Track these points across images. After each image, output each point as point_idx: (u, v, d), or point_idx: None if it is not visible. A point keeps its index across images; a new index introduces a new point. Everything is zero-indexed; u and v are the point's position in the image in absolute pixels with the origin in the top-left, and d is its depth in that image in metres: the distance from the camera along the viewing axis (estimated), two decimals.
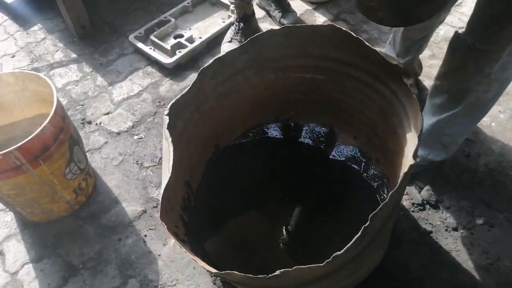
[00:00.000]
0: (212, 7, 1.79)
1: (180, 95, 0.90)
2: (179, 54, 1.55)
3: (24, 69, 1.60)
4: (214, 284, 1.03)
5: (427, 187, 1.17)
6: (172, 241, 1.12)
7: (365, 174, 1.13)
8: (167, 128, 0.81)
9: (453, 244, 1.07)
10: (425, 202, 1.15)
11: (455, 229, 1.09)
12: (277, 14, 1.69)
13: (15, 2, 1.78)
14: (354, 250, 0.67)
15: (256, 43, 0.95)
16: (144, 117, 1.43)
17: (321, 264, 0.63)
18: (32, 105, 1.16)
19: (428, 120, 1.08)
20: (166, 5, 1.83)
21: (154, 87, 1.53)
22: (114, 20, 1.79)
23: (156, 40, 1.59)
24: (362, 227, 0.64)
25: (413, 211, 1.14)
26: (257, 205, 1.13)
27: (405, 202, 1.15)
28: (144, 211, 1.19)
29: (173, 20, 1.67)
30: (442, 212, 1.13)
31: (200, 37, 1.61)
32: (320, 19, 1.74)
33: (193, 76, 1.55)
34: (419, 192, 1.16)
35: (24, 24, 1.80)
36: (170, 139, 0.79)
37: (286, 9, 1.68)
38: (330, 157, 1.18)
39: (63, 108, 1.07)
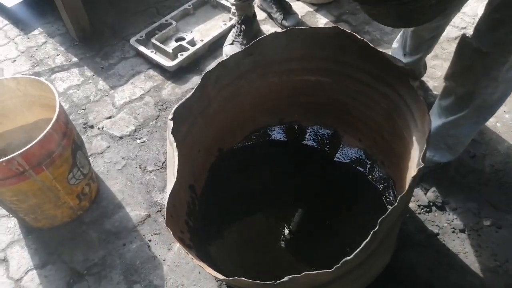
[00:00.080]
0: (213, 10, 1.79)
1: (184, 99, 0.89)
2: (180, 57, 1.54)
3: (25, 74, 1.60)
4: None
5: (433, 188, 1.16)
6: (177, 245, 1.11)
7: (370, 176, 1.12)
8: (171, 133, 0.80)
9: (460, 246, 1.06)
10: (431, 203, 1.14)
11: (462, 231, 1.08)
12: (278, 16, 1.68)
13: (15, 6, 1.77)
14: (363, 255, 0.66)
15: (259, 46, 0.95)
16: (146, 120, 1.43)
17: (330, 270, 0.62)
18: (34, 110, 1.16)
19: (434, 121, 1.07)
20: (167, 8, 1.83)
21: (156, 90, 1.52)
22: (115, 24, 1.78)
23: (158, 43, 1.58)
24: (372, 232, 0.63)
25: (419, 213, 1.13)
26: (261, 208, 1.13)
27: (411, 204, 1.14)
28: (148, 216, 1.18)
29: (174, 23, 1.66)
30: (449, 214, 1.12)
31: (202, 40, 1.61)
32: (321, 20, 1.73)
33: (195, 79, 1.55)
34: (425, 194, 1.16)
35: (24, 29, 1.80)
36: (174, 144, 0.78)
37: (287, 11, 1.68)
38: (335, 159, 1.18)
39: (66, 113, 1.07)
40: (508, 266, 1.01)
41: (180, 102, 0.88)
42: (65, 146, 1.01)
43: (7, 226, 1.19)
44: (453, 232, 1.09)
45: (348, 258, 0.62)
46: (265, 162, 1.18)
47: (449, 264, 1.03)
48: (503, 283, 0.99)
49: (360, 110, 1.05)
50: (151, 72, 1.58)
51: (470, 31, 1.60)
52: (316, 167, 1.18)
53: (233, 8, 1.62)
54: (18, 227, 1.18)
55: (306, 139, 1.21)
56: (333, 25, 1.44)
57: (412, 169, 0.86)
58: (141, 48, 1.59)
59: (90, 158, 1.30)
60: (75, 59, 1.65)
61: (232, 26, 1.61)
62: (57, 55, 1.67)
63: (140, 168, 1.29)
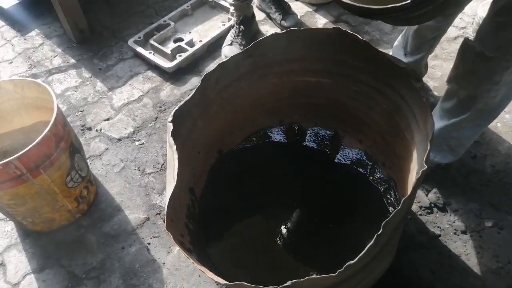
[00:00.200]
0: (212, 10, 1.78)
1: (183, 101, 0.88)
2: (179, 58, 1.53)
3: (22, 76, 1.58)
4: None
5: (435, 189, 1.15)
6: (177, 248, 1.10)
7: (371, 178, 1.12)
8: (171, 136, 0.79)
9: (462, 247, 1.05)
10: (432, 205, 1.13)
11: (464, 232, 1.08)
12: (277, 16, 1.67)
13: (12, 7, 1.76)
14: (367, 258, 0.65)
15: (260, 47, 0.94)
16: (145, 122, 1.41)
17: (334, 274, 0.62)
18: (32, 112, 1.14)
19: (436, 123, 1.07)
20: (165, 8, 1.82)
21: (154, 91, 1.51)
22: (113, 25, 1.77)
23: (156, 44, 1.57)
24: (375, 235, 0.62)
25: (420, 215, 1.12)
26: (261, 210, 1.12)
27: (413, 205, 1.14)
28: (147, 219, 1.17)
29: (172, 23, 1.65)
30: (450, 215, 1.11)
31: (200, 41, 1.60)
32: (321, 20, 1.72)
33: (194, 80, 1.54)
34: (427, 195, 1.15)
35: (21, 30, 1.78)
36: (174, 147, 0.77)
37: (286, 11, 1.67)
38: (335, 160, 1.17)
39: (63, 115, 1.05)
40: (510, 267, 1.01)
41: (180, 104, 0.87)
42: (63, 149, 1.00)
43: (4, 229, 1.17)
44: (455, 233, 1.08)
45: (352, 262, 0.61)
46: (265, 163, 1.17)
47: (451, 266, 1.02)
48: (505, 284, 0.99)
49: (361, 111, 1.05)
50: (150, 73, 1.57)
51: (469, 31, 1.60)
52: (317, 168, 1.17)
53: (231, 9, 1.61)
54: (15, 231, 1.17)
55: (306, 141, 1.21)
56: (333, 26, 1.43)
57: (414, 171, 0.85)
58: (139, 49, 1.58)
59: (88, 161, 1.29)
60: (72, 61, 1.64)
61: (231, 27, 1.60)
62: (55, 57, 1.66)
63: (139, 170, 1.28)
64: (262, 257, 1.04)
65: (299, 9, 1.76)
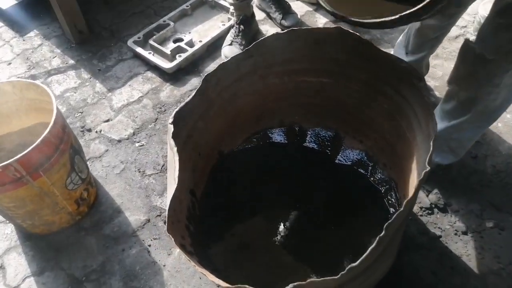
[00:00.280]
0: (212, 10, 1.77)
1: (184, 102, 0.88)
2: (179, 58, 1.53)
3: (21, 77, 1.57)
4: None
5: (435, 190, 1.15)
6: (177, 250, 1.09)
7: (372, 179, 1.11)
8: (172, 137, 0.79)
9: (463, 248, 1.05)
10: (433, 205, 1.13)
11: (465, 233, 1.08)
12: (277, 15, 1.67)
13: (10, 8, 1.75)
14: (369, 261, 0.65)
15: (260, 47, 0.93)
16: (145, 123, 1.41)
17: (336, 277, 0.61)
18: (31, 114, 1.14)
19: (437, 125, 1.06)
20: (164, 8, 1.81)
21: (154, 92, 1.50)
22: (112, 25, 1.76)
23: (155, 44, 1.56)
24: (378, 237, 0.62)
25: (421, 215, 1.12)
26: (262, 211, 1.11)
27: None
28: (148, 220, 1.16)
29: (172, 24, 1.65)
30: (451, 216, 1.11)
31: (200, 41, 1.59)
32: (321, 20, 1.72)
33: (194, 81, 1.53)
34: (427, 196, 1.15)
35: (20, 31, 1.77)
36: (175, 149, 0.77)
37: (286, 11, 1.67)
38: (336, 161, 1.16)
39: (63, 117, 1.05)
40: (511, 268, 1.01)
41: (181, 105, 0.87)
42: (63, 151, 1.00)
43: (4, 232, 1.17)
44: (456, 234, 1.08)
45: (354, 264, 0.61)
46: (266, 164, 1.17)
47: (452, 267, 1.02)
48: (506, 285, 0.99)
49: (362, 111, 1.04)
50: (149, 74, 1.56)
51: (470, 30, 1.60)
52: (317, 169, 1.17)
53: (231, 8, 1.61)
54: (15, 233, 1.16)
55: (307, 141, 1.20)
56: (334, 25, 1.43)
57: (415, 171, 0.85)
58: (139, 50, 1.57)
59: (88, 162, 1.28)
60: (71, 61, 1.63)
61: (231, 27, 1.60)
62: (53, 58, 1.65)
63: (139, 172, 1.28)
64: (263, 258, 1.03)
65: (299, 8, 1.75)
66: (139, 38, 1.61)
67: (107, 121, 1.42)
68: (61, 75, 1.58)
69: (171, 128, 0.81)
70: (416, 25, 1.23)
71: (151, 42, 1.57)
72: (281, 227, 1.08)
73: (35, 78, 1.56)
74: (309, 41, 0.93)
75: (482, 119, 1.01)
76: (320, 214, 1.10)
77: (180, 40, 1.60)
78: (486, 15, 0.84)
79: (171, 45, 1.58)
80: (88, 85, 1.54)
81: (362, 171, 1.13)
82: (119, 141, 1.36)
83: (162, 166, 1.29)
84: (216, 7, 1.77)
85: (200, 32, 1.67)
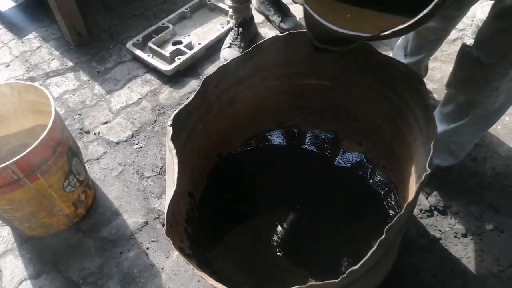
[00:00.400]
0: (211, 13, 1.78)
1: (183, 104, 0.87)
2: (178, 61, 1.52)
3: (20, 79, 1.57)
4: None
5: (435, 192, 1.15)
6: (176, 253, 1.09)
7: (371, 181, 1.11)
8: (171, 140, 0.78)
9: (463, 251, 1.05)
10: (433, 208, 1.13)
11: (465, 236, 1.07)
12: (276, 18, 1.67)
13: (9, 10, 1.75)
14: (370, 264, 0.65)
15: (260, 49, 0.93)
16: (143, 125, 1.40)
17: (336, 280, 0.61)
18: (29, 116, 1.13)
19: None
20: (163, 11, 1.81)
21: (153, 95, 1.50)
22: (111, 27, 1.76)
23: (154, 47, 1.56)
24: (378, 240, 0.62)
25: (421, 218, 1.12)
26: (260, 213, 1.11)
27: None
28: (146, 223, 1.16)
29: (171, 26, 1.65)
30: (451, 218, 1.11)
31: (199, 43, 1.59)
32: None
33: (192, 83, 1.53)
34: (427, 198, 1.14)
35: (18, 33, 1.77)
36: (174, 151, 0.76)
37: (285, 13, 1.67)
38: (335, 164, 1.16)
39: (61, 119, 1.04)
40: (511, 271, 1.00)
41: (180, 108, 0.86)
42: (61, 153, 0.99)
43: (1, 235, 1.16)
44: (455, 236, 1.08)
45: (355, 267, 0.60)
46: (265, 167, 1.17)
47: (452, 270, 1.02)
48: None
49: (361, 113, 1.04)
50: (148, 76, 1.56)
51: (468, 33, 1.60)
52: (316, 171, 1.16)
53: (230, 11, 1.61)
54: (11, 236, 1.15)
55: (306, 144, 1.20)
56: None
57: (415, 174, 0.85)
58: (138, 52, 1.57)
59: (86, 165, 1.28)
60: (70, 64, 1.62)
61: (230, 29, 1.60)
62: (52, 60, 1.65)
63: (137, 174, 1.27)
64: (262, 261, 1.03)
65: (298, 11, 1.75)
66: (138, 40, 1.61)
67: (106, 123, 1.42)
68: (59, 77, 1.58)
69: (170, 130, 0.81)
70: None
71: (150, 44, 1.57)
72: (280, 229, 1.08)
73: (33, 80, 1.56)
74: (308, 44, 0.93)
75: (481, 123, 1.00)
76: (319, 216, 1.10)
77: (179, 42, 1.60)
78: (484, 18, 0.84)
79: (170, 48, 1.58)
80: (86, 87, 1.54)
81: (361, 173, 1.13)
82: (118, 143, 1.36)
83: (161, 168, 1.28)
84: (215, 10, 1.77)
85: (199, 35, 1.67)
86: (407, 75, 0.80)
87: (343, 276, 0.60)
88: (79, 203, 1.12)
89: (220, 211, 1.08)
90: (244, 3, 1.52)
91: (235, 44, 1.55)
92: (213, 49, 1.62)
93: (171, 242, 0.70)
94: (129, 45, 1.60)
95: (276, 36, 0.93)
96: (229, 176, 1.13)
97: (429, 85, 1.42)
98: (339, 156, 1.16)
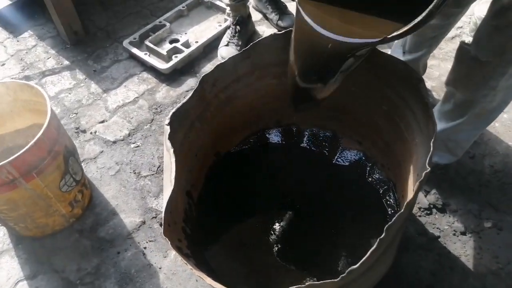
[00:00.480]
0: (208, 11, 1.76)
1: (180, 103, 0.86)
2: (175, 59, 1.51)
3: (15, 78, 1.56)
4: None
5: (434, 190, 1.15)
6: (173, 253, 1.08)
7: (370, 179, 1.11)
8: (168, 139, 0.78)
9: (462, 248, 1.05)
10: (431, 206, 1.12)
11: (463, 233, 1.07)
12: (274, 16, 1.66)
13: (4, 8, 1.73)
14: (369, 263, 0.64)
15: (258, 48, 0.92)
16: (140, 124, 1.39)
17: (336, 280, 0.60)
18: (25, 115, 1.12)
19: None
20: (160, 9, 1.80)
21: (150, 93, 1.49)
22: (107, 26, 1.75)
23: (151, 45, 1.55)
24: (378, 239, 0.61)
25: (419, 216, 1.11)
26: (259, 212, 1.10)
27: None
28: (143, 222, 1.15)
29: (168, 24, 1.64)
30: (449, 216, 1.11)
31: (196, 42, 1.58)
32: None
33: (190, 82, 1.52)
34: (425, 196, 1.14)
35: (14, 31, 1.75)
36: (171, 150, 0.76)
37: (283, 11, 1.66)
38: (334, 162, 1.16)
39: (57, 118, 1.03)
40: (510, 268, 1.00)
41: (177, 106, 0.86)
42: (57, 153, 0.98)
43: None
44: (454, 234, 1.07)
45: (354, 267, 0.60)
46: (263, 165, 1.16)
47: (451, 267, 1.02)
48: (505, 285, 0.98)
49: (360, 111, 1.04)
50: (145, 74, 1.55)
51: (466, 30, 1.60)
52: (315, 170, 1.16)
53: (227, 9, 1.60)
54: (7, 237, 1.14)
55: (304, 142, 1.20)
56: None
57: (414, 172, 0.84)
58: (135, 51, 1.56)
59: (82, 164, 1.27)
60: (66, 62, 1.61)
61: (227, 27, 1.59)
62: (48, 58, 1.63)
63: (134, 173, 1.26)
64: (261, 260, 1.02)
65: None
66: (135, 38, 1.60)
67: (102, 122, 1.41)
68: (55, 76, 1.57)
69: (167, 129, 0.80)
70: None
71: (147, 43, 1.56)
72: (279, 228, 1.07)
73: (29, 79, 1.54)
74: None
75: (479, 121, 1.01)
76: (318, 215, 1.09)
77: (176, 40, 1.59)
78: (482, 16, 0.84)
79: (167, 46, 1.57)
80: (83, 86, 1.53)
81: (360, 171, 1.12)
82: (114, 142, 1.35)
83: (158, 167, 1.28)
84: (213, 8, 1.76)
85: (196, 33, 1.66)
86: (406, 73, 0.79)
87: (342, 275, 0.60)
88: (75, 203, 1.11)
89: (218, 210, 1.08)
90: (242, 1, 1.51)
91: (232, 42, 1.54)
92: (210, 47, 1.61)
93: (169, 242, 0.69)
94: (125, 43, 1.58)
95: (274, 34, 0.92)
96: (227, 174, 1.12)
97: (428, 83, 1.42)
98: (337, 155, 1.16)
